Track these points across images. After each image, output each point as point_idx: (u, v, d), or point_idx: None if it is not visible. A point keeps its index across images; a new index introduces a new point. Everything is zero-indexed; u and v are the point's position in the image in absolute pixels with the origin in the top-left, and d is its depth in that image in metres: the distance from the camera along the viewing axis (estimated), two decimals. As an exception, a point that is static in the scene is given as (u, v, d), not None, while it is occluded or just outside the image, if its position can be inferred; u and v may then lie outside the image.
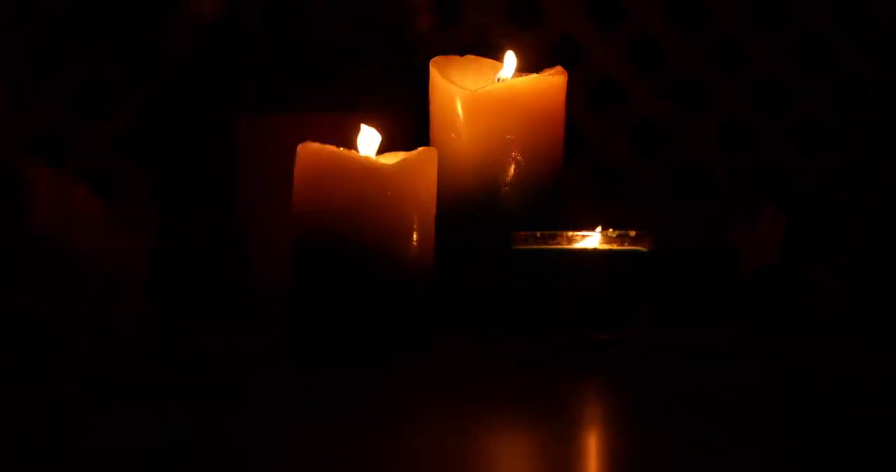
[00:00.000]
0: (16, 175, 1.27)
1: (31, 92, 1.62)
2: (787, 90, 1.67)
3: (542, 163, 1.25)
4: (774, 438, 0.78)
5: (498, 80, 1.27)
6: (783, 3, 1.67)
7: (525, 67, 1.28)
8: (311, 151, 1.11)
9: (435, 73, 1.26)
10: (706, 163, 1.67)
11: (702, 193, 1.67)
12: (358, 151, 1.13)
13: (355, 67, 1.55)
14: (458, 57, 1.28)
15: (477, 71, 1.29)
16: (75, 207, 1.28)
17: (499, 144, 1.24)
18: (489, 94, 1.24)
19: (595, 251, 1.10)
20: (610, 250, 1.10)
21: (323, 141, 1.11)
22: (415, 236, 1.11)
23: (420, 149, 1.13)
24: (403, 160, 1.12)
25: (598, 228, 1.11)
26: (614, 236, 1.11)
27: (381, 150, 1.15)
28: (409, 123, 1.41)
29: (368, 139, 1.14)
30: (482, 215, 1.24)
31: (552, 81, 1.25)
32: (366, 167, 1.10)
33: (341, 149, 1.11)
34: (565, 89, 1.26)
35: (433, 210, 1.13)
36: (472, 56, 1.29)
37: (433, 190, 1.13)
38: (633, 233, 1.11)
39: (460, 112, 1.24)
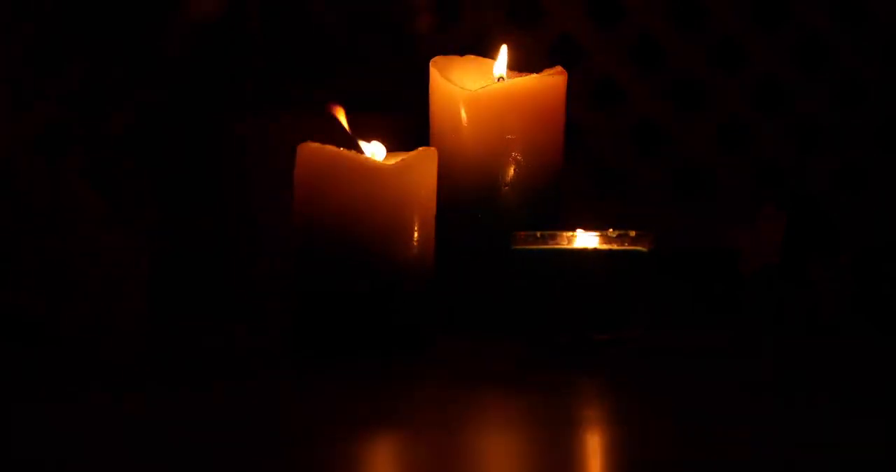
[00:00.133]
0: (15, 175, 1.27)
1: (31, 92, 1.62)
2: (787, 90, 1.67)
3: (542, 163, 1.25)
4: (774, 438, 0.78)
5: (498, 79, 1.27)
6: (783, 3, 1.67)
7: (525, 67, 1.28)
8: (311, 151, 1.11)
9: (435, 73, 1.26)
10: (706, 163, 1.67)
11: (702, 193, 1.67)
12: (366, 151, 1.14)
13: (355, 67, 1.55)
14: (458, 57, 1.28)
15: (477, 71, 1.29)
16: (75, 206, 1.28)
17: (499, 144, 1.24)
18: (489, 94, 1.24)
19: (595, 251, 1.10)
20: (610, 250, 1.10)
21: (323, 141, 1.11)
22: (415, 236, 1.11)
23: (420, 149, 1.13)
24: (403, 160, 1.12)
25: (581, 230, 1.11)
26: (614, 236, 1.11)
27: (381, 150, 1.15)
28: (409, 123, 1.41)
29: (371, 145, 1.14)
30: (482, 215, 1.24)
31: (552, 81, 1.25)
32: (366, 167, 1.10)
33: (341, 149, 1.11)
34: (565, 89, 1.26)
35: (433, 210, 1.13)
36: (472, 56, 1.29)
37: (433, 190, 1.13)
38: (633, 233, 1.11)
39: (460, 112, 1.24)
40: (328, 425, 0.83)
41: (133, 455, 0.73)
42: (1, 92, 1.61)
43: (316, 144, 1.11)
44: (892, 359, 1.16)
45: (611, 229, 1.11)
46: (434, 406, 0.91)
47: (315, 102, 1.51)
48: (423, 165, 1.12)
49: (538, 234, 1.12)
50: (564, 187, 1.28)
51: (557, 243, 1.11)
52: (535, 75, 1.26)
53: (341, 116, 1.14)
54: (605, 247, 1.10)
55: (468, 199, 1.24)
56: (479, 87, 1.26)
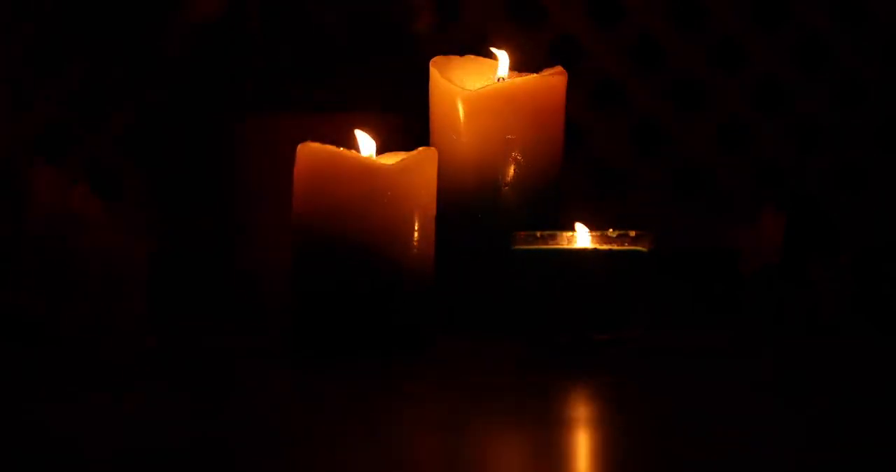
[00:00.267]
0: (15, 175, 1.27)
1: (31, 92, 1.62)
2: (787, 90, 1.67)
3: (541, 163, 1.25)
4: (774, 438, 0.78)
5: (498, 80, 1.27)
6: (783, 3, 1.67)
7: (525, 67, 1.28)
8: (311, 151, 1.11)
9: (435, 74, 1.26)
10: (706, 163, 1.67)
11: (702, 193, 1.67)
12: (358, 151, 1.13)
13: (355, 67, 1.55)
14: (458, 57, 1.28)
15: (477, 71, 1.29)
16: (75, 207, 1.28)
17: (499, 144, 1.24)
18: (489, 94, 1.24)
19: (595, 251, 1.10)
20: (610, 250, 1.10)
21: (323, 141, 1.11)
22: (415, 236, 1.11)
23: (420, 149, 1.13)
24: (403, 160, 1.12)
25: (581, 225, 1.11)
26: (614, 236, 1.11)
27: (381, 150, 1.15)
28: (409, 123, 1.41)
29: (365, 142, 1.14)
30: (482, 215, 1.24)
31: (552, 81, 1.25)
32: (366, 167, 1.10)
33: (341, 149, 1.11)
34: (565, 89, 1.26)
35: (433, 210, 1.13)
36: (472, 56, 1.29)
37: (433, 190, 1.13)
38: (633, 233, 1.11)
39: (460, 112, 1.24)
40: (328, 425, 0.83)
41: (133, 455, 0.73)
42: (1, 92, 1.61)
43: (316, 144, 1.11)
44: (892, 359, 1.16)
45: (611, 229, 1.11)
46: (434, 406, 0.91)
47: (315, 102, 1.51)
48: (423, 165, 1.12)
49: (538, 234, 1.12)
50: (564, 187, 1.28)
51: (557, 243, 1.11)
52: (534, 75, 1.26)
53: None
54: (605, 247, 1.10)
55: (468, 199, 1.24)
56: (479, 87, 1.26)
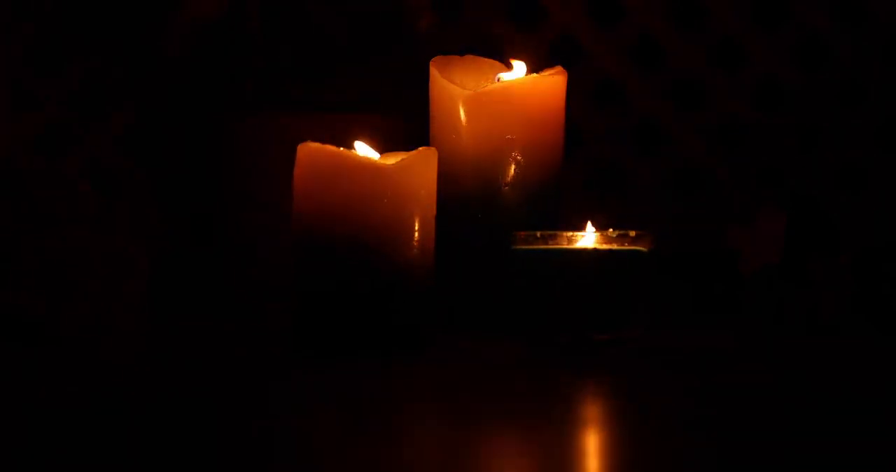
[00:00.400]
0: (15, 175, 1.27)
1: (31, 92, 1.62)
2: (787, 90, 1.67)
3: (542, 163, 1.25)
4: (774, 438, 0.78)
5: (498, 80, 1.27)
6: (783, 3, 1.67)
7: (525, 67, 1.28)
8: (311, 151, 1.11)
9: (435, 74, 1.26)
10: (706, 163, 1.67)
11: (702, 193, 1.67)
12: (357, 151, 1.14)
13: (355, 67, 1.55)
14: (458, 57, 1.28)
15: (477, 71, 1.29)
16: (75, 206, 1.28)
17: (499, 144, 1.24)
18: (489, 94, 1.24)
19: (595, 251, 1.10)
20: (610, 250, 1.10)
21: (323, 141, 1.11)
22: (415, 236, 1.11)
23: (420, 149, 1.13)
24: (403, 160, 1.12)
25: (590, 228, 1.11)
26: (614, 236, 1.11)
27: (381, 150, 1.15)
28: (409, 123, 1.41)
29: (364, 148, 1.14)
30: (482, 215, 1.24)
31: (552, 81, 1.25)
32: (366, 167, 1.10)
33: (341, 149, 1.11)
34: (565, 89, 1.26)
35: (433, 210, 1.13)
36: (472, 56, 1.29)
37: (433, 190, 1.13)
38: (633, 233, 1.11)
39: (460, 112, 1.24)
40: (328, 424, 0.83)
41: (133, 455, 0.73)
42: (1, 92, 1.61)
43: (316, 144, 1.11)
44: (892, 359, 1.16)
45: (611, 229, 1.11)
46: (434, 406, 0.91)
47: (315, 102, 1.51)
48: (423, 165, 1.12)
49: (538, 234, 1.12)
50: (564, 187, 1.28)
51: (557, 243, 1.11)
52: (534, 75, 1.26)
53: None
54: (605, 247, 1.10)
55: (468, 199, 1.24)
56: (479, 87, 1.26)
